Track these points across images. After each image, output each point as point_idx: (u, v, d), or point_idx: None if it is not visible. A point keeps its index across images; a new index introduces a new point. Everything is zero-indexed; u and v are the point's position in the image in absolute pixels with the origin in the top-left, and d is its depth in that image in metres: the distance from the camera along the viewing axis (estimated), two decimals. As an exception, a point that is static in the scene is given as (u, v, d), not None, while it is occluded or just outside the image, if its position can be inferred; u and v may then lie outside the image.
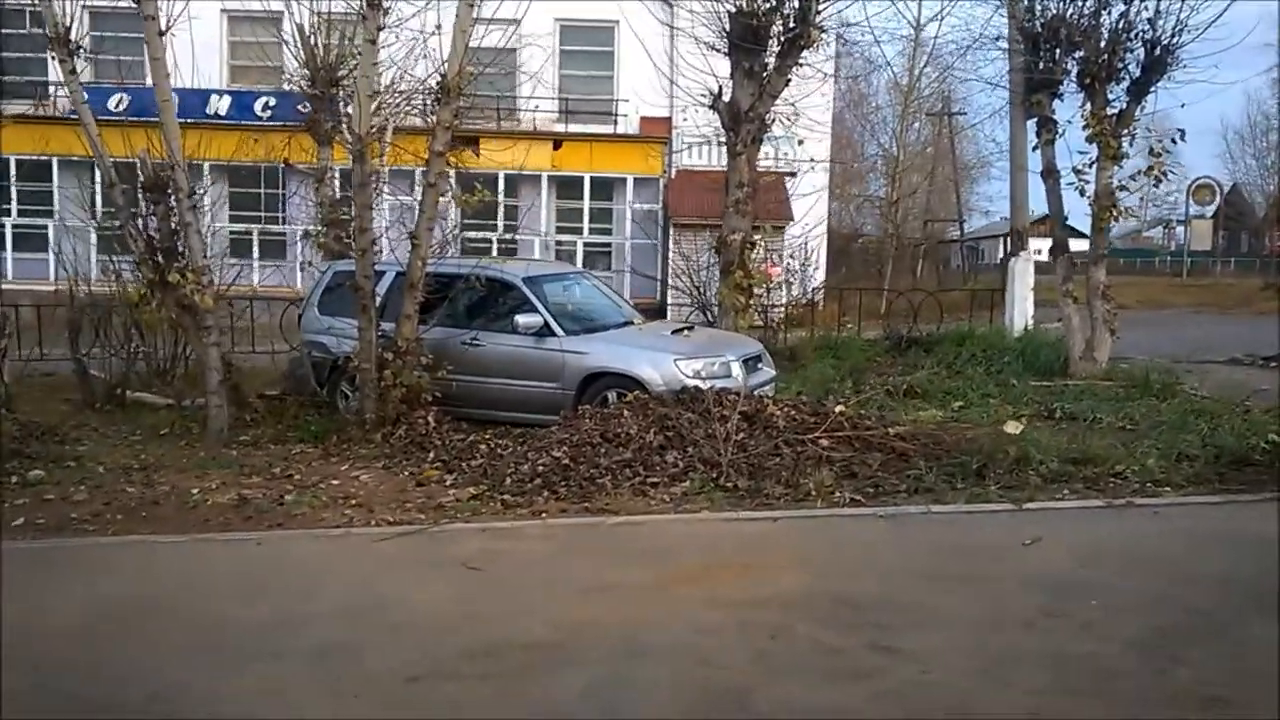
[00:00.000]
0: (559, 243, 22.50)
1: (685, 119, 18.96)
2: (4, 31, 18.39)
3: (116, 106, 18.23)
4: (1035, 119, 12.06)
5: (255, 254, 20.96)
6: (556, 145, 22.07)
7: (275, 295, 15.19)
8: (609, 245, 22.91)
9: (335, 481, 7.36)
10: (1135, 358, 12.72)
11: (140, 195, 9.02)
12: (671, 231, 20.86)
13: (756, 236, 11.66)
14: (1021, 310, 14.34)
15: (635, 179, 22.32)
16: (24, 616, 4.71)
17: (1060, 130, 11.89)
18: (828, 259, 23.44)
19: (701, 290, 14.24)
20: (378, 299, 9.01)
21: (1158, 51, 11.04)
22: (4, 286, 16.84)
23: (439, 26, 9.83)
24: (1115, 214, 11.76)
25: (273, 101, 19.82)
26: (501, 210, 21.52)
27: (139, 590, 5.22)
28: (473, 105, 13.90)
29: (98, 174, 9.44)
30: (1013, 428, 7.95)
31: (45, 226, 20.65)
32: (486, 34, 9.78)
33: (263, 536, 6.15)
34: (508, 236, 21.76)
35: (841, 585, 5.25)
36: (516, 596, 5.11)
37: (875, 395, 10.02)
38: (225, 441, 8.58)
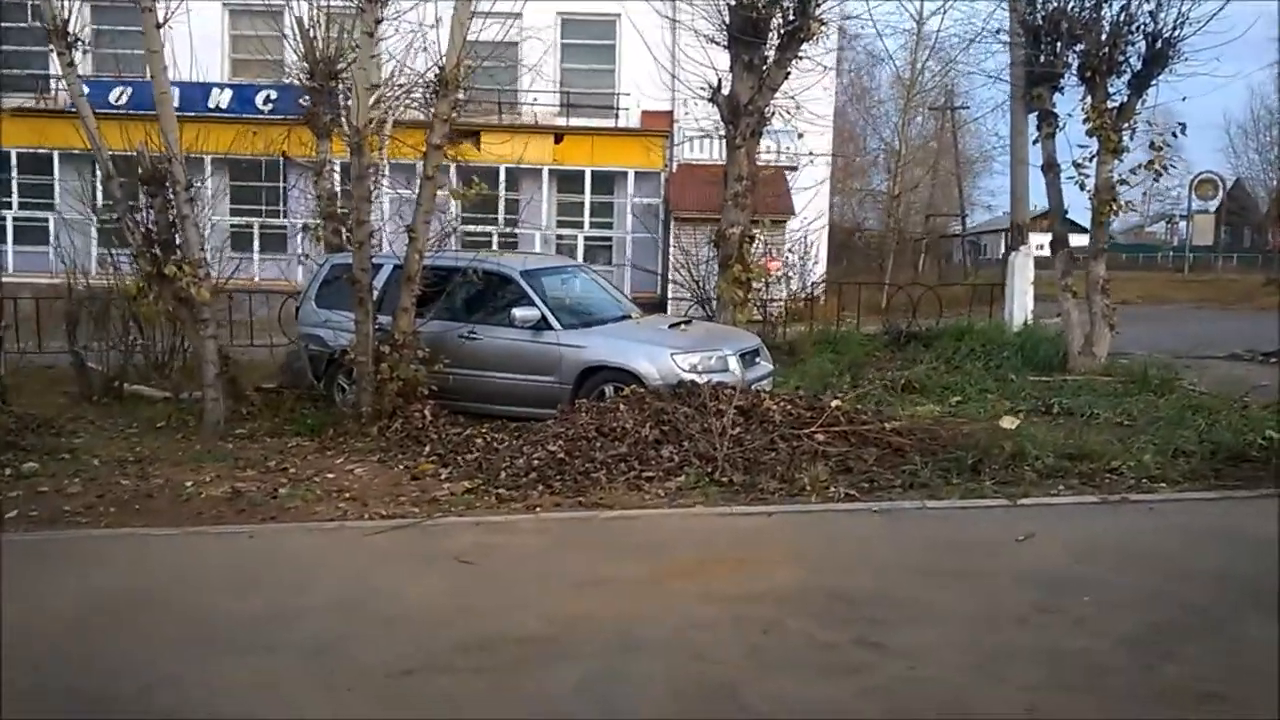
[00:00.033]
0: (560, 237, 22.47)
1: (687, 113, 18.90)
2: (4, 25, 18.39)
3: (118, 100, 18.20)
4: (1036, 112, 12.02)
5: (256, 247, 20.98)
6: (557, 139, 22.03)
7: (274, 289, 15.18)
8: (610, 239, 22.88)
9: (330, 475, 7.36)
10: (1135, 353, 12.70)
11: (139, 188, 8.99)
12: (672, 226, 20.82)
13: (756, 230, 11.62)
14: (1021, 305, 14.32)
15: (636, 173, 22.27)
16: (17, 609, 4.71)
17: (1061, 124, 11.85)
18: (829, 253, 23.38)
19: (701, 284, 14.21)
20: (375, 292, 9.01)
21: (1159, 44, 10.99)
22: (4, 279, 16.87)
23: (438, 19, 9.80)
24: (1115, 208, 11.71)
25: (274, 95, 19.81)
26: (502, 204, 21.51)
27: (130, 583, 5.22)
28: (471, 99, 13.89)
29: (97, 167, 9.42)
30: (1008, 423, 7.95)
31: (46, 220, 20.64)
32: (487, 27, 9.73)
33: (256, 529, 6.15)
34: (508, 230, 21.75)
35: (835, 580, 5.24)
36: (510, 590, 5.10)
37: (873, 390, 10.01)
38: (221, 434, 8.59)
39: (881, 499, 6.62)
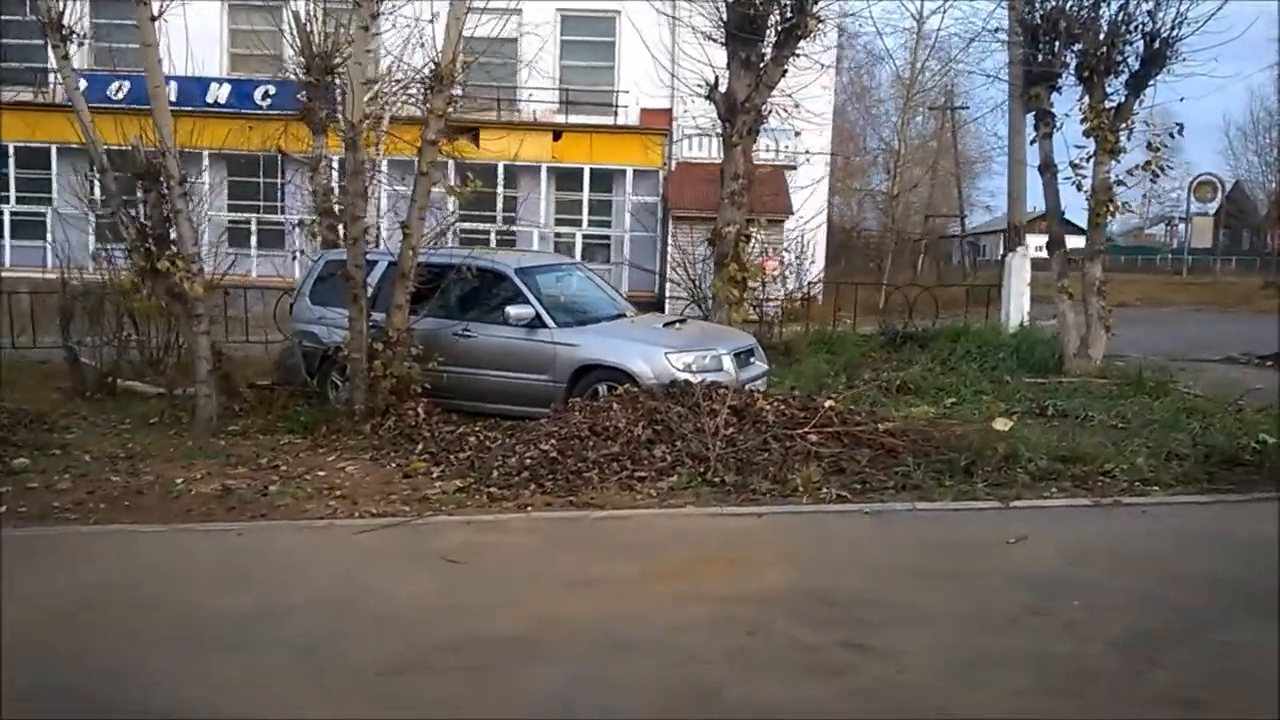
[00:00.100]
0: (558, 235, 22.45)
1: (686, 111, 18.88)
2: (3, 17, 18.36)
3: (116, 94, 18.22)
4: (1034, 112, 11.99)
5: (253, 243, 20.96)
6: (556, 136, 22.02)
7: (270, 285, 15.16)
8: (608, 238, 22.87)
9: (321, 473, 7.34)
10: (1131, 355, 12.68)
11: (133, 183, 8.97)
12: (670, 224, 20.80)
13: (752, 229, 11.59)
14: (1017, 306, 14.30)
15: (635, 171, 22.25)
16: (6, 606, 4.69)
17: (1058, 124, 11.81)
18: (827, 253, 23.37)
19: (697, 283, 14.19)
20: (369, 289, 8.98)
21: (1157, 44, 10.96)
22: (4, 274, 16.86)
23: (435, 15, 9.77)
24: (1112, 209, 11.69)
25: (272, 90, 19.77)
26: (500, 201, 21.49)
27: (119, 580, 5.20)
28: (470, 96, 13.86)
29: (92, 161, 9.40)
30: (1002, 425, 7.93)
31: (44, 214, 20.62)
32: (486, 23, 9.70)
33: (245, 527, 6.13)
34: (506, 228, 21.73)
35: (825, 581, 5.23)
36: (498, 590, 5.09)
37: (868, 391, 10.00)
38: (214, 431, 8.56)
39: (873, 500, 6.61)
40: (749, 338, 10.21)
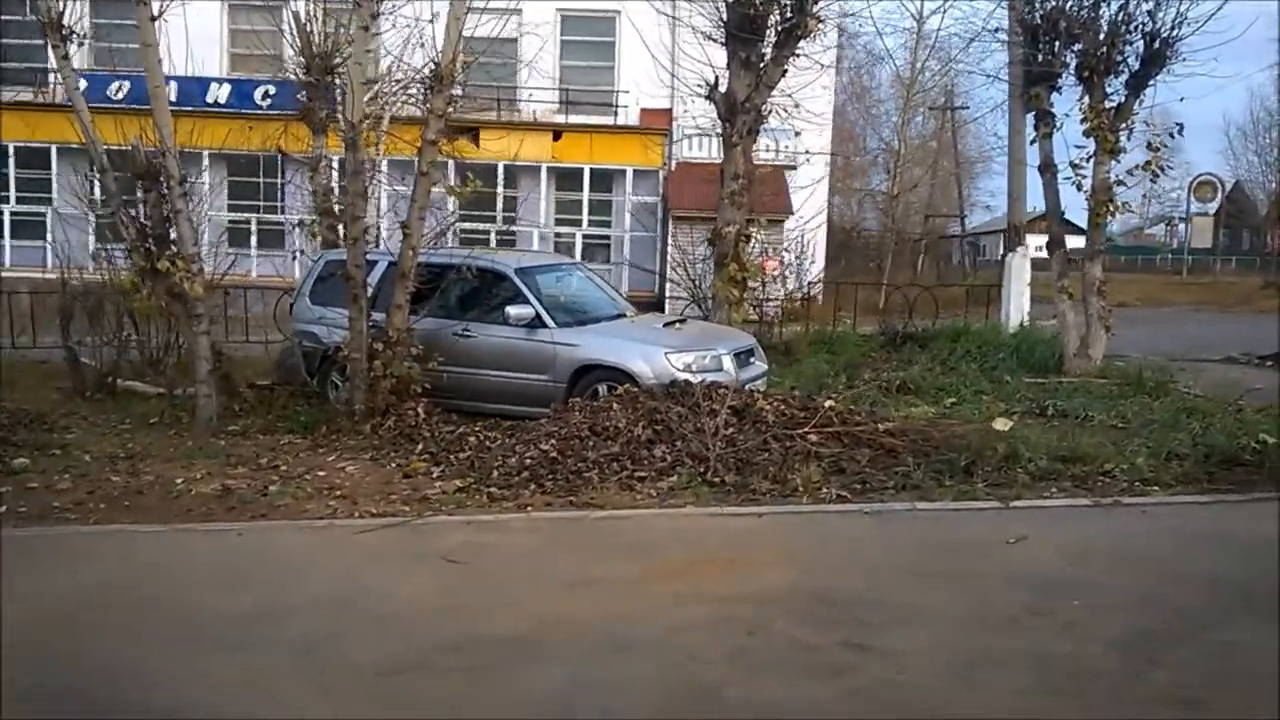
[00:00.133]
0: (558, 235, 22.44)
1: (686, 111, 18.88)
2: (4, 17, 18.36)
3: (116, 94, 18.21)
4: (1034, 112, 11.99)
5: (254, 243, 20.95)
6: (556, 136, 22.01)
7: (270, 285, 15.16)
8: (608, 238, 22.86)
9: (321, 473, 7.34)
10: (1132, 355, 12.68)
11: (133, 182, 8.97)
12: (671, 224, 20.79)
13: (752, 229, 11.59)
14: (1017, 306, 14.30)
15: (635, 171, 22.25)
16: (6, 606, 4.69)
17: (1058, 124, 11.81)
18: (828, 253, 23.36)
19: (697, 283, 14.19)
20: (370, 289, 8.98)
21: (1157, 44, 10.95)
22: (5, 274, 16.86)
23: (435, 15, 9.77)
24: (1112, 209, 11.69)
25: (273, 90, 19.76)
26: (500, 201, 21.48)
27: (119, 580, 5.20)
28: (470, 96, 13.84)
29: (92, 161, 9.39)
30: (1001, 425, 7.93)
31: (44, 214, 20.62)
32: (486, 23, 9.71)
33: (245, 527, 6.13)
34: (506, 228, 21.73)
35: (824, 581, 5.22)
36: (498, 590, 5.09)
37: (868, 391, 10.00)
38: (214, 431, 8.56)
39: (873, 500, 6.60)
40: (749, 338, 10.21)
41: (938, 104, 32.67)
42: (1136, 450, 7.64)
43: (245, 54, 20.70)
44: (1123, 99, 11.32)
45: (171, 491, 6.80)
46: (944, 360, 12.20)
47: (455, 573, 5.33)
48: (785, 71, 10.74)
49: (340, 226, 10.21)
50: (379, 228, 14.47)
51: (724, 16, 10.58)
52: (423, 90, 10.01)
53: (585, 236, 22.53)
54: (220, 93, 20.81)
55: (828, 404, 8.05)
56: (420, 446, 8.01)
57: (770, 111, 11.08)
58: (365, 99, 9.29)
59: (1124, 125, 11.29)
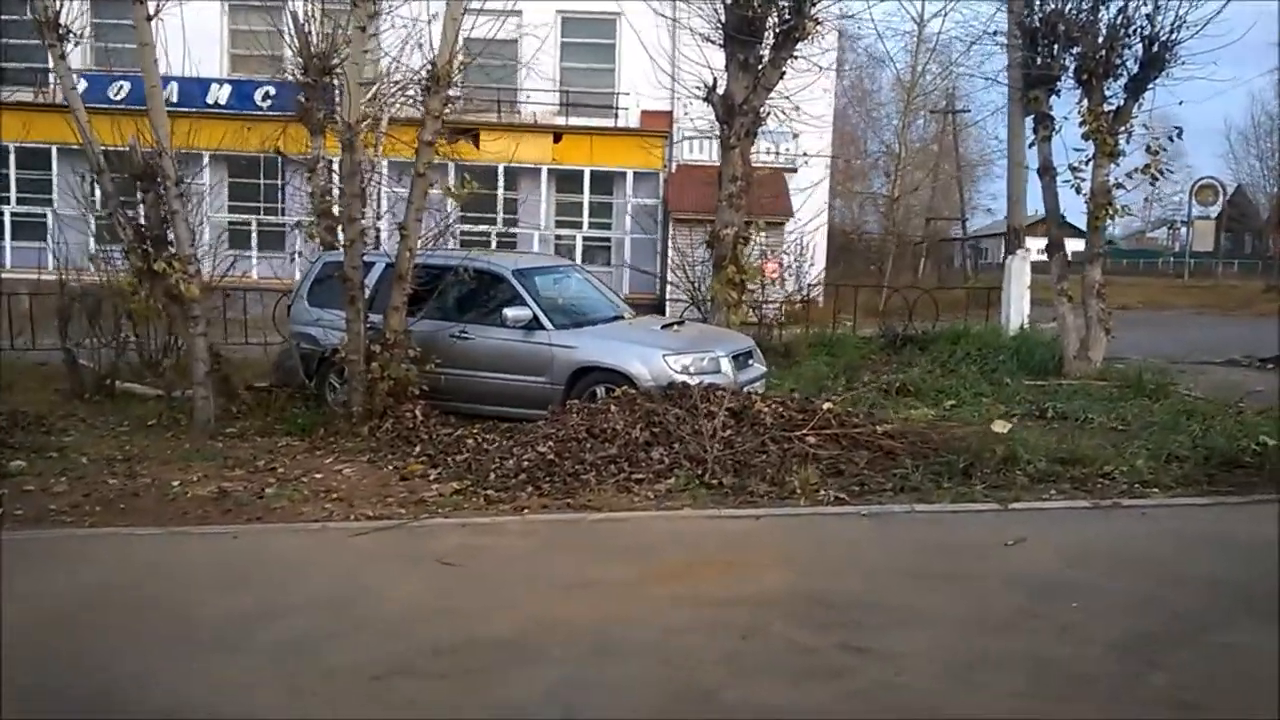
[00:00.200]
0: (558, 237, 22.42)
1: (686, 113, 18.88)
2: (4, 17, 18.37)
3: (117, 95, 18.23)
4: (1033, 115, 11.97)
5: (254, 245, 20.93)
6: (557, 138, 22.01)
7: (269, 287, 15.14)
8: (608, 240, 22.85)
9: (318, 475, 7.31)
10: (1132, 358, 12.65)
11: (130, 183, 8.95)
12: (671, 227, 20.78)
13: (750, 231, 11.57)
14: (1017, 309, 14.29)
15: (635, 173, 22.23)
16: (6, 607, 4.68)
17: (1057, 127, 11.79)
18: (828, 256, 23.33)
19: (696, 285, 14.17)
20: (367, 290, 8.96)
21: (1156, 48, 10.93)
22: (5, 275, 16.84)
23: (434, 16, 9.76)
24: (1112, 212, 11.67)
25: (273, 91, 19.74)
26: (501, 203, 21.48)
27: (114, 582, 5.18)
28: (470, 97, 13.83)
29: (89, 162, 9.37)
30: (1000, 427, 7.90)
31: (44, 215, 20.61)
32: (486, 24, 9.70)
33: (240, 530, 6.10)
34: (506, 230, 21.71)
35: (822, 584, 5.20)
36: (493, 593, 5.06)
37: (867, 393, 9.97)
38: (211, 433, 8.54)
39: (871, 502, 6.58)
40: (747, 340, 10.18)
41: (939, 107, 32.67)
42: (1136, 452, 7.62)
43: (245, 55, 20.71)
44: (1122, 102, 11.31)
45: (168, 494, 6.78)
46: (944, 363, 12.19)
47: (450, 575, 5.30)
48: (783, 74, 10.73)
49: (339, 228, 10.19)
50: (378, 230, 14.47)
51: (722, 18, 10.56)
52: (420, 91, 10.00)
53: (586, 239, 22.51)
54: (221, 93, 20.81)
55: (826, 406, 8.03)
56: (418, 449, 7.99)
57: (768, 114, 11.07)
58: (363, 100, 9.27)
59: (1123, 128, 11.27)
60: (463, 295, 9.51)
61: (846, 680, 3.99)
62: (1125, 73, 11.16)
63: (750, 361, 9.58)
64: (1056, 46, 11.43)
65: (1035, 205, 14.21)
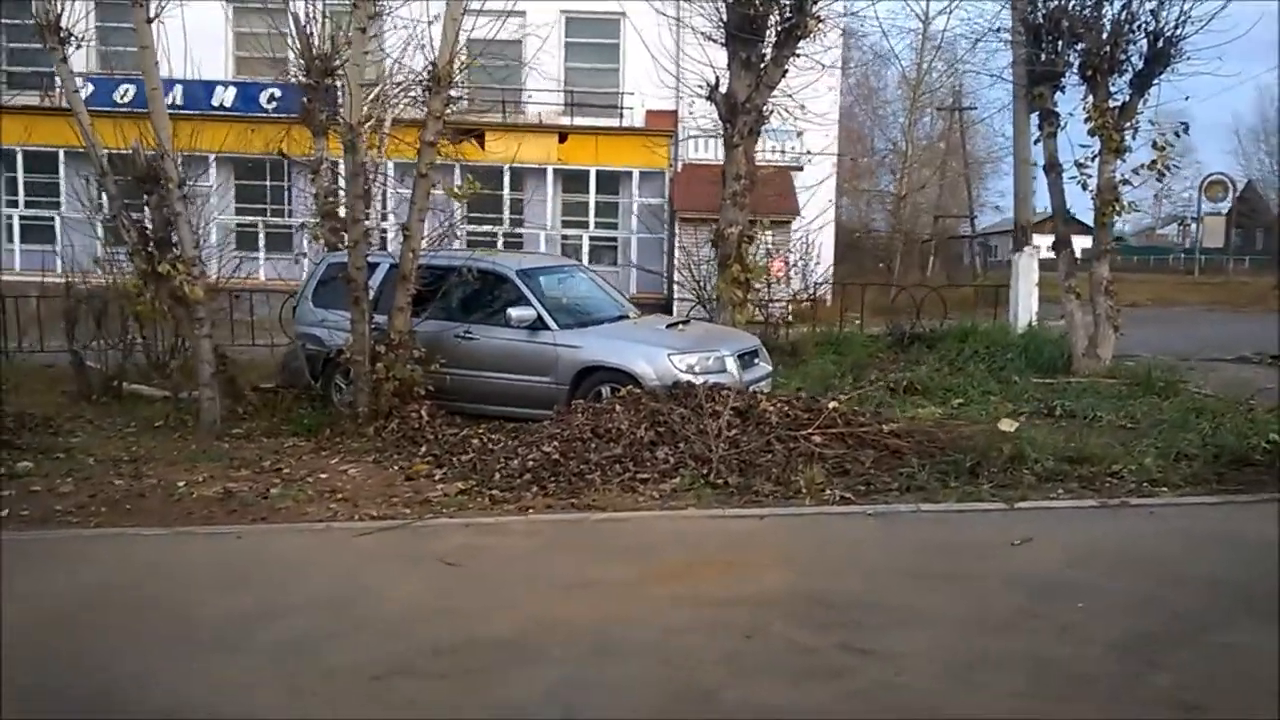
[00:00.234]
0: (564, 237, 22.42)
1: (691, 112, 18.84)
2: (7, 21, 18.45)
3: (122, 98, 18.29)
4: (1038, 112, 11.90)
5: (261, 246, 20.99)
6: (562, 138, 22.00)
7: (275, 288, 15.18)
8: (614, 239, 22.84)
9: (323, 475, 7.33)
10: (1142, 355, 12.57)
11: (133, 186, 8.98)
12: (677, 226, 20.75)
13: (755, 230, 11.53)
14: (1025, 306, 14.21)
15: (641, 173, 22.21)
16: (5, 608, 4.68)
17: (1063, 123, 11.72)
18: (836, 254, 23.26)
19: (702, 284, 14.14)
20: (371, 291, 8.97)
21: (1160, 43, 10.85)
22: (12, 278, 16.90)
23: (435, 17, 9.77)
24: (1118, 208, 11.59)
25: (277, 93, 19.79)
26: (507, 203, 21.49)
27: (116, 581, 5.19)
28: (468, 96, 13.81)
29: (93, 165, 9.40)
30: (1007, 425, 7.84)
31: (51, 218, 20.69)
32: (488, 25, 9.69)
33: (244, 530, 6.12)
34: (513, 230, 21.72)
35: (824, 584, 5.18)
36: (495, 592, 5.06)
37: (874, 392, 9.93)
38: (217, 434, 8.56)
39: (877, 502, 6.55)
40: (753, 339, 10.16)
41: (945, 105, 32.56)
42: (1145, 451, 7.56)
43: (250, 57, 20.76)
44: (1127, 98, 11.22)
45: (173, 494, 6.80)
46: (952, 361, 12.13)
47: (452, 575, 5.30)
48: (786, 72, 10.69)
49: (343, 229, 10.20)
50: (383, 231, 14.50)
51: (724, 17, 10.54)
52: (423, 92, 10.00)
53: (592, 238, 22.50)
54: (226, 96, 20.86)
55: (832, 405, 8.00)
56: (423, 449, 8.00)
57: (771, 112, 11.02)
58: (365, 101, 9.27)
59: (1129, 124, 11.18)
60: (467, 295, 9.52)
61: (846, 680, 3.97)
62: (1130, 68, 11.09)
63: (756, 360, 9.56)
64: (1061, 42, 11.35)
65: (1043, 202, 14.15)
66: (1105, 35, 10.96)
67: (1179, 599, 4.84)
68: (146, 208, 8.83)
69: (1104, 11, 11.08)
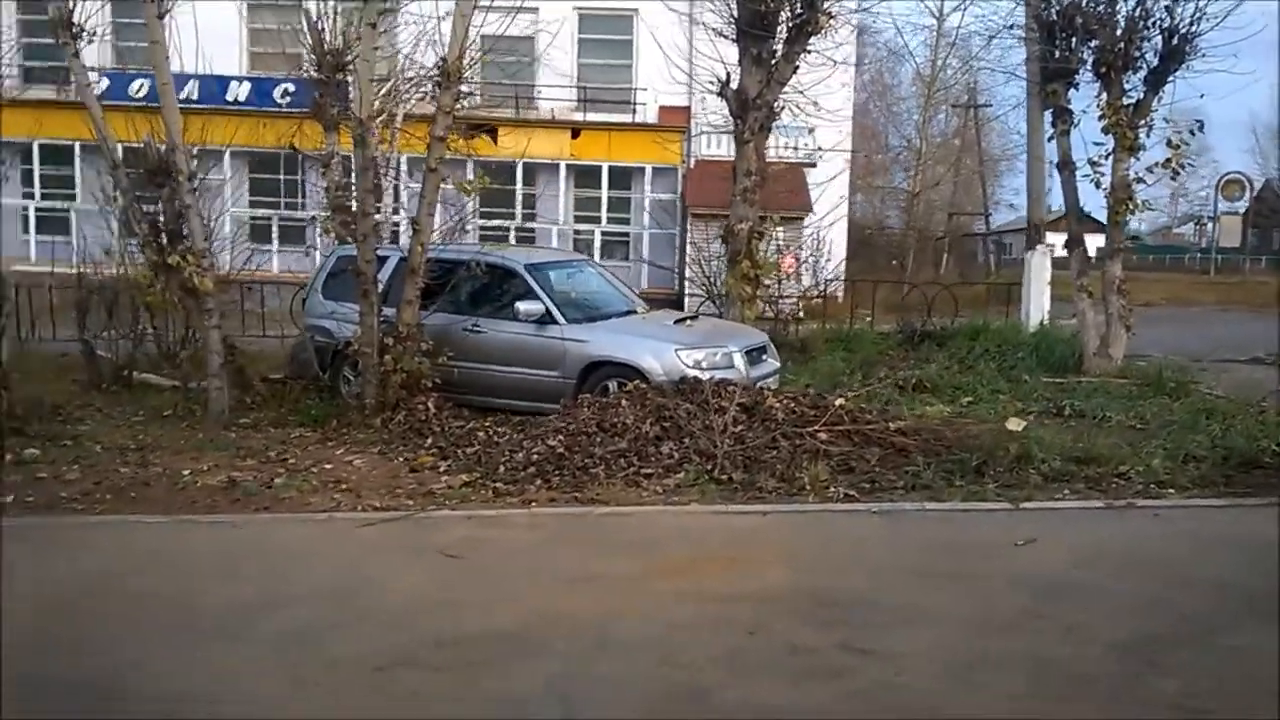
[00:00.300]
0: (577, 232, 22.41)
1: (704, 108, 18.81)
2: (23, 16, 18.56)
3: (137, 92, 18.39)
4: (1051, 109, 11.82)
5: (275, 239, 21.07)
6: (575, 134, 21.99)
7: (286, 281, 15.23)
8: (627, 235, 22.82)
9: (328, 466, 7.35)
10: (1155, 355, 12.48)
11: (145, 178, 9.03)
12: (689, 221, 20.72)
13: (765, 226, 11.50)
14: (1037, 305, 14.13)
15: (653, 168, 22.18)
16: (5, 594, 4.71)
17: (1076, 121, 11.63)
18: (849, 251, 23.18)
19: (712, 280, 14.12)
20: (380, 284, 8.99)
21: (1175, 40, 10.75)
22: (26, 268, 17.02)
23: (446, 13, 9.77)
24: (1132, 207, 11.49)
25: (291, 88, 19.83)
26: (520, 198, 21.50)
27: (117, 569, 5.22)
28: (481, 92, 13.82)
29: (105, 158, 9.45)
30: (1015, 424, 7.81)
31: (67, 210, 20.83)
32: (499, 21, 9.69)
33: (247, 519, 6.14)
34: (525, 225, 21.74)
35: (826, 581, 5.16)
36: (495, 585, 5.06)
37: (883, 389, 9.88)
38: (225, 424, 8.60)
39: (882, 500, 6.53)
40: (761, 335, 10.14)
41: (960, 102, 32.40)
42: (1153, 452, 7.51)
43: (264, 53, 20.83)
44: (1141, 95, 11.12)
45: (178, 483, 6.83)
46: (962, 359, 12.07)
47: (455, 567, 5.30)
48: (797, 68, 10.64)
49: (353, 222, 10.21)
50: (395, 224, 14.52)
51: (735, 13, 10.50)
52: (433, 87, 10.01)
53: (604, 234, 22.48)
54: (240, 91, 20.93)
55: (838, 402, 7.98)
56: (429, 441, 8.02)
57: (783, 108, 10.98)
58: (376, 96, 9.29)
59: (1143, 122, 11.08)
60: (475, 289, 9.52)
61: (847, 680, 3.95)
62: (1144, 65, 10.98)
63: (764, 357, 9.54)
64: (1074, 39, 11.26)
65: (1057, 201, 14.03)
66: (1119, 32, 10.87)
67: (1184, 601, 4.81)
68: (158, 200, 8.87)
69: (1118, 8, 10.98)
